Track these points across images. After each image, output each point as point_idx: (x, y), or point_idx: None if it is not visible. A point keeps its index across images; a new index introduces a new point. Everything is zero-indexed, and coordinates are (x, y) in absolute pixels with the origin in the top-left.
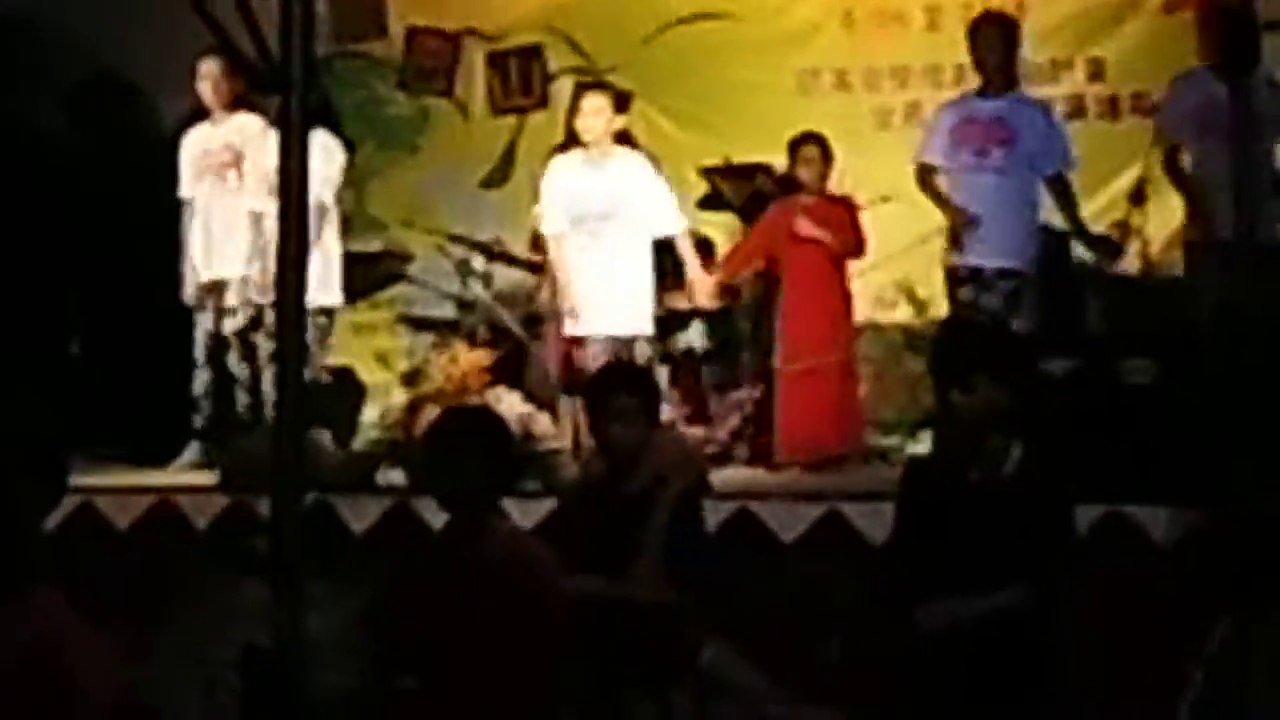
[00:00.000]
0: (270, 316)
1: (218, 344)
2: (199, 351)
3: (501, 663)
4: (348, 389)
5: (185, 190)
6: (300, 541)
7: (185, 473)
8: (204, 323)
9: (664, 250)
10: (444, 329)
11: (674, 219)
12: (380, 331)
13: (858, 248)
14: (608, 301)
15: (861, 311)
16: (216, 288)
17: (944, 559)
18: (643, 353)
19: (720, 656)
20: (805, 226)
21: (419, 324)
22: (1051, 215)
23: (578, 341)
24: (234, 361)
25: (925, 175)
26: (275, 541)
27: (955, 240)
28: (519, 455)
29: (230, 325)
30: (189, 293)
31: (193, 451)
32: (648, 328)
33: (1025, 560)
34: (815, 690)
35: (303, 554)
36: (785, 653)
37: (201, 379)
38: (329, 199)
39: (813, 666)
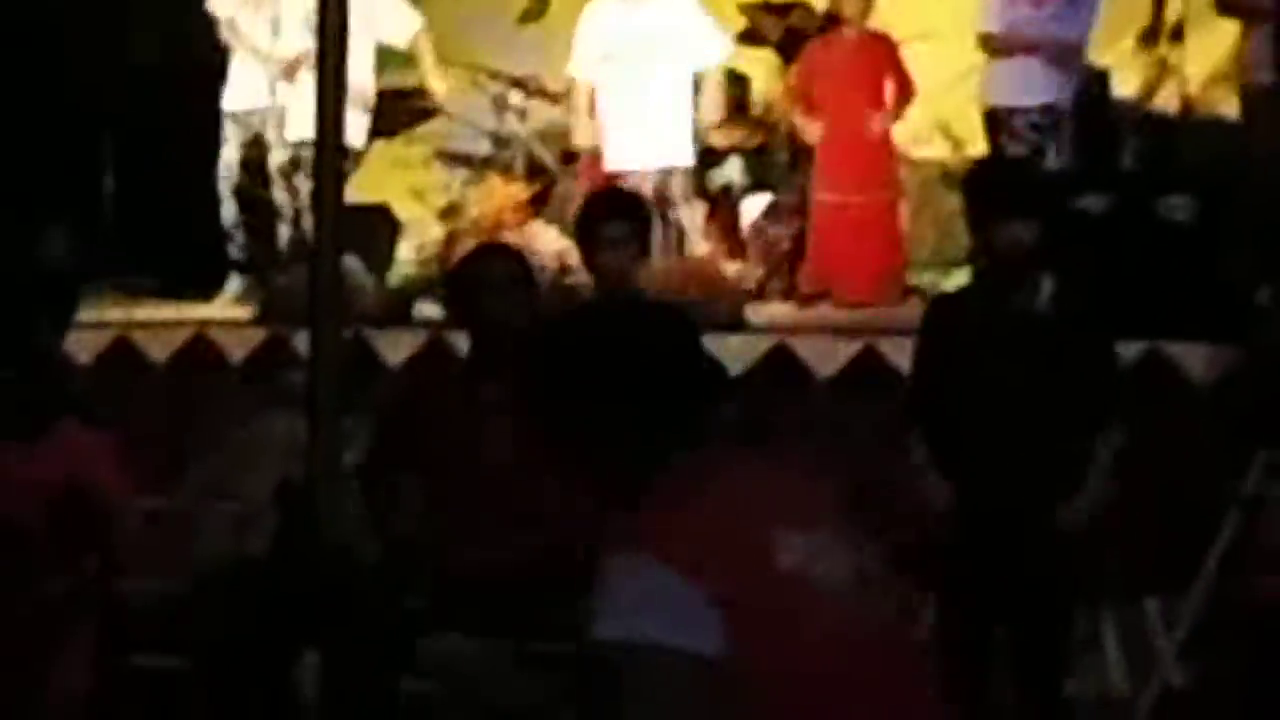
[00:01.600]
0: (308, 153)
1: (252, 175)
2: (226, 183)
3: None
4: (383, 224)
5: (224, 32)
6: (336, 375)
7: (227, 307)
8: (231, 153)
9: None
10: (480, 164)
11: (719, 48)
12: (416, 167)
13: (903, 91)
14: (644, 135)
15: (900, 148)
16: (242, 120)
17: (974, 393)
18: (680, 186)
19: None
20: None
21: (455, 159)
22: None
23: (614, 176)
24: (277, 194)
25: (987, 43)
26: (312, 375)
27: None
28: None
29: (274, 160)
30: (227, 125)
31: (235, 285)
32: (685, 160)
33: (1065, 394)
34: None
35: (339, 388)
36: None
37: (230, 211)
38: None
39: (844, 505)
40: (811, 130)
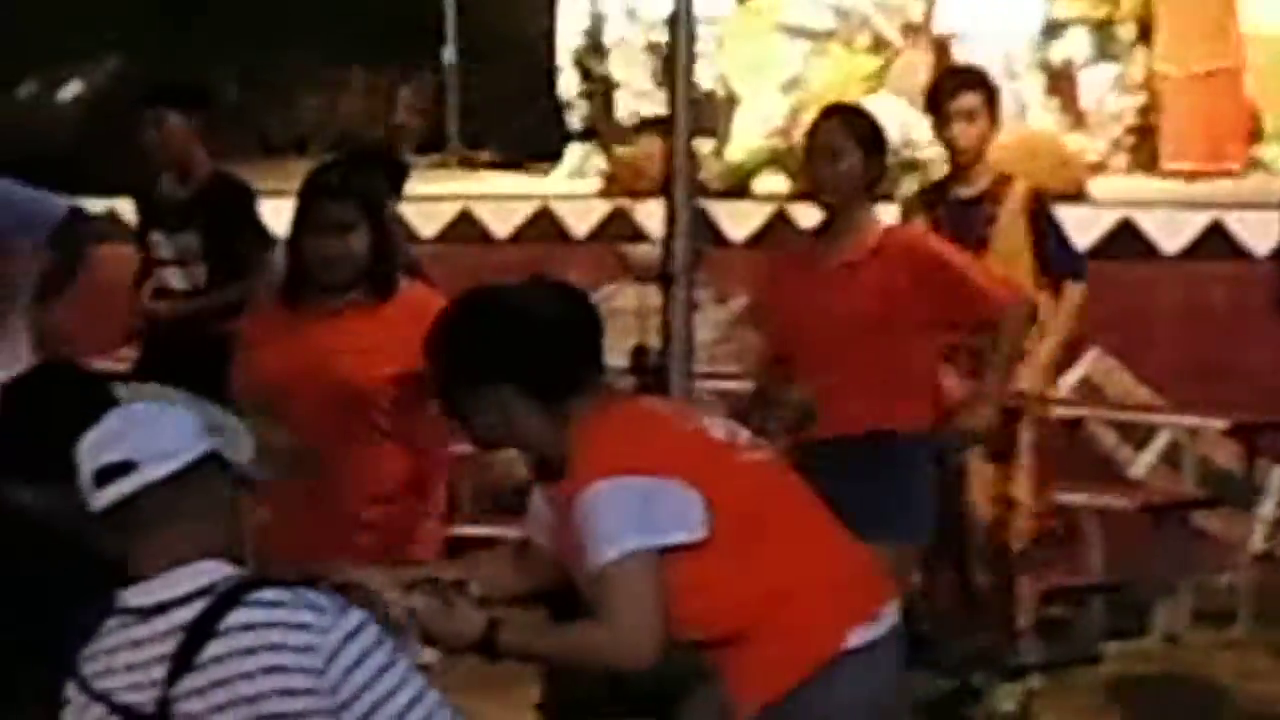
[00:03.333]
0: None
1: (591, 46)
2: (566, 54)
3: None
4: (723, 99)
5: None
6: (688, 247)
7: (567, 180)
8: (570, 24)
9: None
10: (823, 37)
11: None
12: (756, 39)
13: None
14: (984, 5)
15: (1246, 21)
16: None
17: None
18: (1020, 58)
19: None
20: None
21: (797, 32)
22: None
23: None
24: (614, 66)
25: None
26: (665, 246)
27: None
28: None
29: (612, 31)
30: None
31: (575, 155)
32: (1027, 31)
33: None
34: (1194, 401)
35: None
36: (1164, 363)
37: (570, 81)
38: None
39: (1192, 377)
40: None
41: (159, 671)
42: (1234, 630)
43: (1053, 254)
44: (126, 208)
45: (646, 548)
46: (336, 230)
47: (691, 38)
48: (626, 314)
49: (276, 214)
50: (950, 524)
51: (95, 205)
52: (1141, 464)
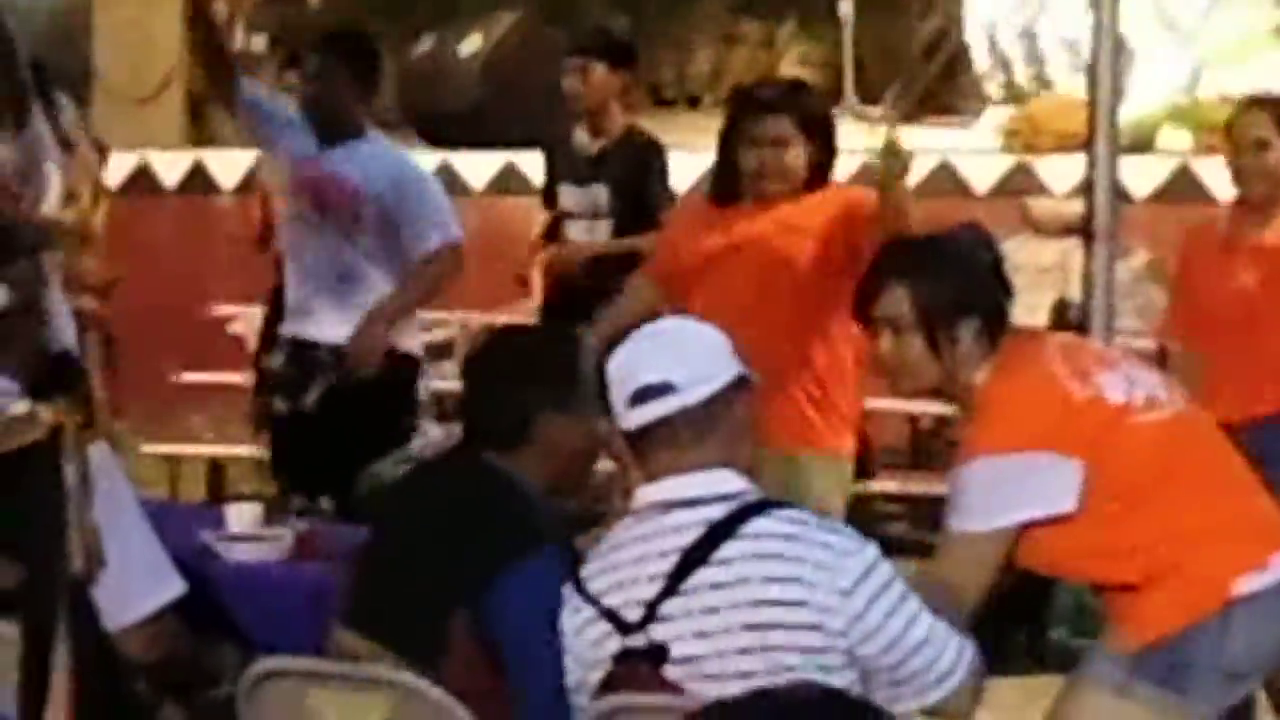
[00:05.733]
0: None
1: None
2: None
3: None
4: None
5: None
6: (1110, 202)
7: (965, 135)
8: None
9: None
10: None
11: None
12: None
13: None
14: None
15: None
16: None
17: None
18: None
19: None
20: None
21: None
22: None
23: None
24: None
25: None
26: (1087, 201)
27: None
28: None
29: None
30: None
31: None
32: None
33: None
34: None
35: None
36: None
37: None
38: None
39: None
40: None
41: (665, 564)
42: None
43: None
44: (525, 160)
45: (999, 528)
46: (771, 144)
47: None
48: (1028, 269)
49: (672, 167)
50: None
51: (494, 160)
52: None
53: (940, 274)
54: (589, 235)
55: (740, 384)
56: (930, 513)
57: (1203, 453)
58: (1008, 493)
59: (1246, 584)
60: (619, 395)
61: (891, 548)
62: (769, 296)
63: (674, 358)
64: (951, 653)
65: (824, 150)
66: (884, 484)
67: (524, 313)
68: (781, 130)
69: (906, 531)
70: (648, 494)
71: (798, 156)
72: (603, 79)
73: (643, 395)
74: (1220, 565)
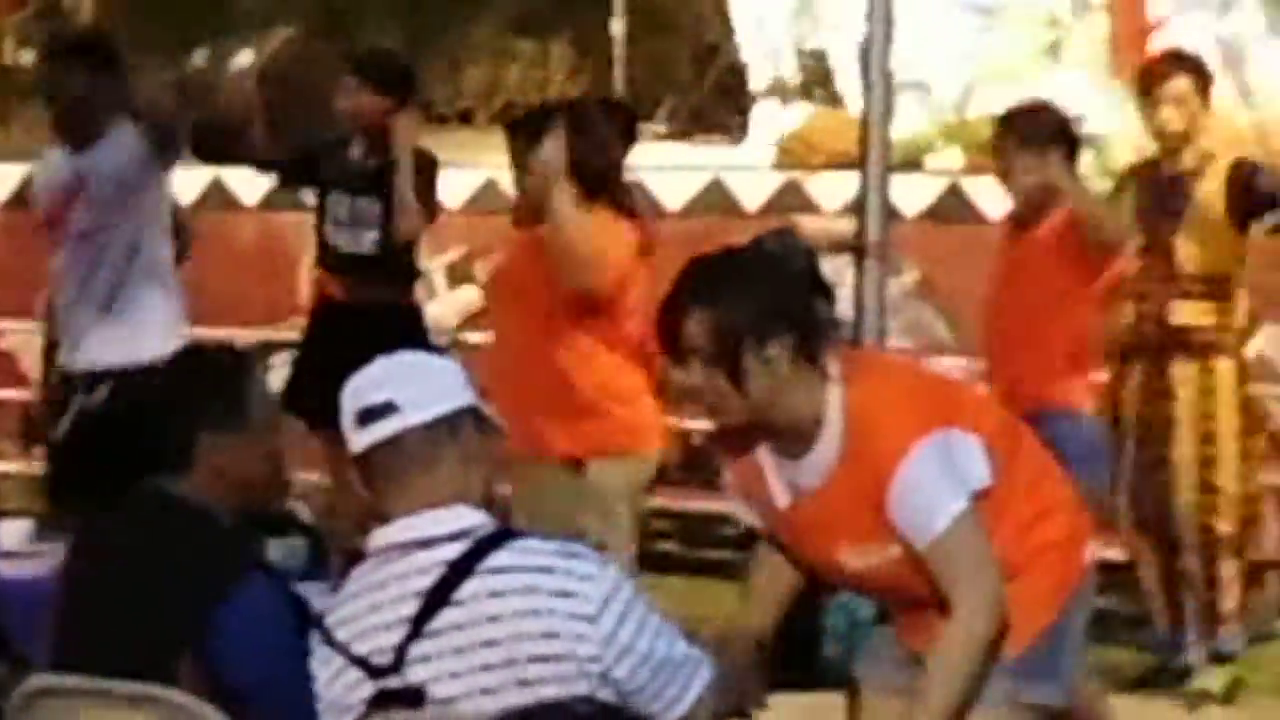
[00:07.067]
0: None
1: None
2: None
3: None
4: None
5: None
6: (882, 219)
7: (735, 152)
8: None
9: None
10: (995, 13)
11: None
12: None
13: None
14: None
15: None
16: None
17: None
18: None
19: None
20: None
21: (969, 8)
22: None
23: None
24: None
25: None
26: (858, 219)
27: None
28: None
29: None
30: None
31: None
32: None
33: None
34: None
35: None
36: None
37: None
38: None
39: None
40: None
41: (408, 608)
42: None
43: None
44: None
45: (967, 507)
46: None
47: (889, 7)
48: None
49: (444, 184)
50: (1157, 509)
51: (264, 175)
52: None
53: (744, 292)
54: (353, 246)
55: (472, 415)
56: (702, 529)
57: (1027, 440)
58: (956, 466)
59: (1089, 554)
60: (347, 419)
61: (662, 565)
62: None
63: (402, 380)
64: (691, 667)
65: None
66: (655, 500)
67: (297, 328)
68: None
69: (677, 548)
70: (383, 536)
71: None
72: (375, 102)
73: (366, 416)
74: (1070, 542)
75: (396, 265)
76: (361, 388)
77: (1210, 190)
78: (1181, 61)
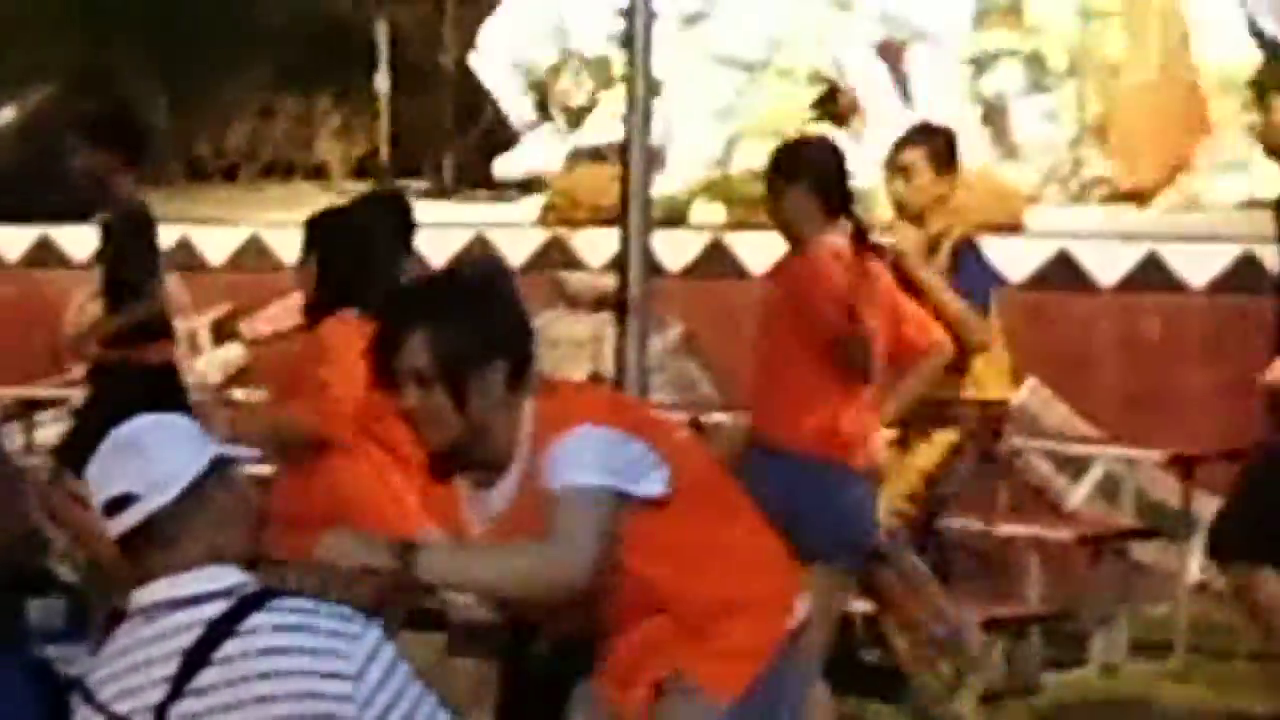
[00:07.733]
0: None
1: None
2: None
3: None
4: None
5: None
6: (644, 275)
7: (499, 209)
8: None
9: None
10: (757, 68)
11: None
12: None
13: None
14: None
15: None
16: None
17: None
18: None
19: None
20: None
21: (730, 62)
22: None
23: None
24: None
25: None
26: (620, 275)
27: None
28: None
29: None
30: None
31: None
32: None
33: None
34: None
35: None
36: (1101, 394)
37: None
38: None
39: (1128, 408)
40: None
41: (169, 668)
42: (1171, 661)
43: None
44: (63, 235)
45: (609, 488)
46: None
47: (649, 64)
48: (563, 343)
49: (208, 241)
50: None
51: (29, 233)
52: (1078, 495)
53: (463, 315)
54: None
55: (216, 470)
56: None
57: (727, 491)
58: (614, 458)
59: (794, 618)
60: (98, 507)
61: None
62: None
63: (135, 467)
64: None
65: None
66: None
67: (59, 385)
68: None
69: None
70: (143, 596)
71: None
72: (93, 158)
73: (111, 508)
74: (775, 597)
75: (141, 326)
76: (98, 478)
77: (940, 262)
78: (923, 134)
